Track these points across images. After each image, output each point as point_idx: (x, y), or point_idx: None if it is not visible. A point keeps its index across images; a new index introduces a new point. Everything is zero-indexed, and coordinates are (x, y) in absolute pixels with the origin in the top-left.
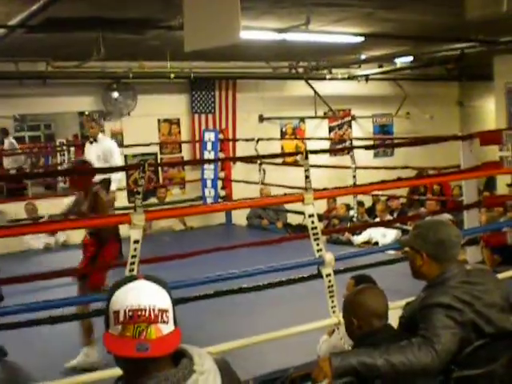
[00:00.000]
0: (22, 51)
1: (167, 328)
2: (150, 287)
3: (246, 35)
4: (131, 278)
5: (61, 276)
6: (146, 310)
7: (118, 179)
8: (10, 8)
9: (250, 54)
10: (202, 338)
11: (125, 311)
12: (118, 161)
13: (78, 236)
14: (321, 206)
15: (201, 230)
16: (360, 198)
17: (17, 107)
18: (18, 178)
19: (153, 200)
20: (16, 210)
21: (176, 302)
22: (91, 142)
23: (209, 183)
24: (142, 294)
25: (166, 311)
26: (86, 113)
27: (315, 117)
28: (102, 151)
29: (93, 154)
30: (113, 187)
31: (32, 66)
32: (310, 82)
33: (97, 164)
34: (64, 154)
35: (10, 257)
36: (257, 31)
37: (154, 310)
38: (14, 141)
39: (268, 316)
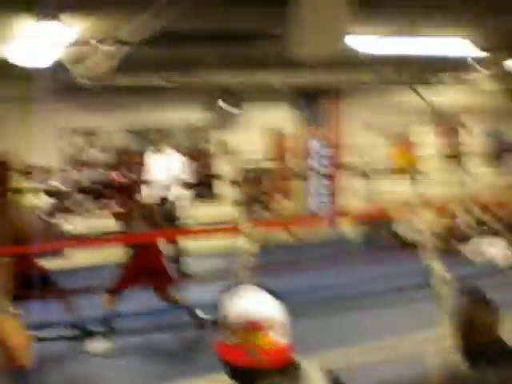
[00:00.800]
0: (135, 65)
1: (279, 338)
2: (261, 296)
3: (352, 43)
4: (244, 287)
5: None
6: (257, 319)
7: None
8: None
9: (354, 62)
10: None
11: (237, 319)
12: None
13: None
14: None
15: (309, 242)
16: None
17: (128, 119)
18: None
19: (260, 211)
20: None
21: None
22: (156, 153)
23: (315, 193)
24: (254, 303)
25: (278, 321)
26: (196, 125)
27: (424, 125)
28: (170, 163)
29: (161, 167)
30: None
31: (144, 79)
32: (417, 88)
33: (165, 176)
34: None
35: None
36: (363, 37)
37: (265, 319)
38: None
39: (379, 328)
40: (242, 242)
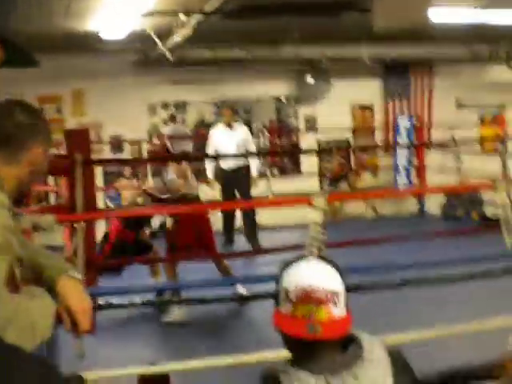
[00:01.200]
0: (219, 37)
1: (338, 311)
2: (322, 268)
3: (436, 14)
4: (304, 258)
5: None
6: (317, 291)
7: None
8: None
9: (445, 36)
10: (381, 326)
11: (296, 290)
12: (253, 148)
13: (269, 217)
14: None
15: (392, 218)
16: None
17: (215, 93)
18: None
19: (344, 186)
20: None
21: (355, 288)
22: (226, 129)
23: (402, 170)
24: (315, 275)
25: (338, 294)
26: (283, 98)
27: None
28: (241, 138)
29: (231, 141)
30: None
31: (229, 51)
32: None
33: (236, 151)
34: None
35: None
36: (450, 9)
37: (325, 292)
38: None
39: (456, 309)
40: (313, 215)
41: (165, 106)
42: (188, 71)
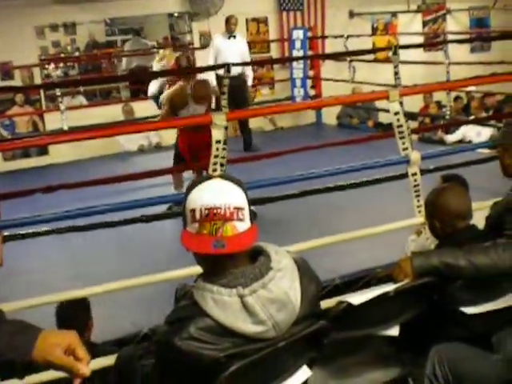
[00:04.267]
0: None
1: (243, 225)
2: (225, 186)
3: None
4: (207, 178)
5: (152, 176)
6: (221, 208)
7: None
8: None
9: None
10: (285, 236)
11: (201, 209)
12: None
13: (170, 138)
14: (416, 104)
15: (291, 130)
16: (455, 95)
17: (106, 11)
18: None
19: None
20: (112, 113)
21: (256, 202)
22: (229, 38)
23: (298, 82)
24: (218, 193)
25: (242, 209)
26: (176, 14)
27: (408, 11)
28: (243, 48)
29: (234, 50)
30: (249, 83)
31: None
32: None
33: (238, 60)
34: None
35: (107, 158)
36: None
37: (229, 208)
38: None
39: (353, 215)
40: (214, 133)
41: (54, 27)
42: None
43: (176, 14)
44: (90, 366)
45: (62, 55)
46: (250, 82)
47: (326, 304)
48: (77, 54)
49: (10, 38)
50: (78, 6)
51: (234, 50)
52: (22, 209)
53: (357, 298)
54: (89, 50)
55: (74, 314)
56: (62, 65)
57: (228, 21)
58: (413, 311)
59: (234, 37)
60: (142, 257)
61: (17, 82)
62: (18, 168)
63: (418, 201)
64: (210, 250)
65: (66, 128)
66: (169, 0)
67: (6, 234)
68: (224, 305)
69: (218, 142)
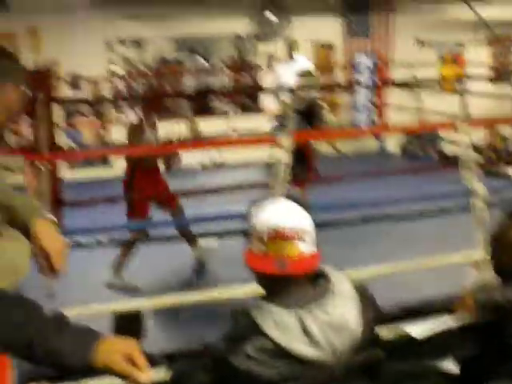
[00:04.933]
0: None
1: (307, 248)
2: (291, 208)
3: None
4: (273, 198)
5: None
6: (287, 230)
7: None
8: None
9: None
10: (345, 261)
11: (267, 229)
12: None
13: (232, 156)
14: (481, 136)
15: (353, 156)
16: None
17: (174, 29)
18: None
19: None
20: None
21: (320, 225)
22: (289, 62)
23: (362, 108)
24: (284, 214)
25: (306, 231)
26: (243, 36)
27: (477, 42)
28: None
29: (290, 72)
30: None
31: None
32: (472, 4)
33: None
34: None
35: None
36: None
37: (294, 230)
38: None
39: (415, 245)
40: (278, 154)
41: (123, 42)
42: (146, 7)
43: (243, 35)
44: (149, 375)
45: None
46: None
47: (384, 333)
48: (144, 69)
49: (80, 50)
50: (148, 23)
51: (289, 73)
52: (80, 217)
53: (417, 330)
54: (156, 66)
55: (128, 326)
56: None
57: (289, 45)
58: (473, 347)
59: (293, 59)
60: (199, 273)
61: (84, 93)
62: (82, 177)
63: (482, 234)
64: (273, 270)
65: None
66: (237, 21)
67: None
68: (282, 325)
69: (283, 163)
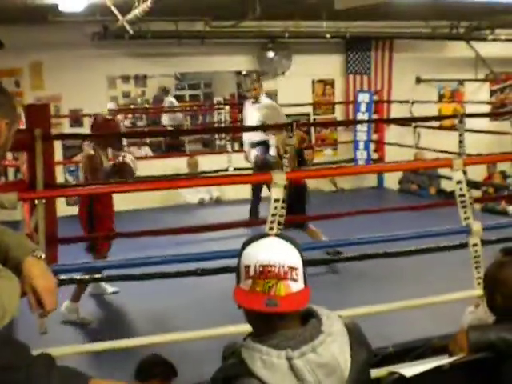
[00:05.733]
0: (180, 11)
1: (296, 286)
2: (281, 244)
3: None
4: (263, 235)
5: (213, 230)
6: (275, 267)
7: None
8: None
9: (406, 12)
10: (340, 300)
11: (255, 266)
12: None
13: (231, 192)
14: (480, 172)
15: (351, 192)
16: None
17: (176, 66)
18: (177, 133)
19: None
20: (176, 164)
21: (315, 263)
22: (253, 103)
23: (361, 145)
24: (273, 251)
25: (296, 269)
26: (244, 72)
27: (475, 80)
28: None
29: (255, 114)
30: (271, 152)
31: (190, 25)
32: (471, 42)
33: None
34: (221, 113)
35: (167, 209)
36: None
37: (283, 267)
38: (173, 100)
39: (410, 283)
40: (273, 192)
41: (125, 79)
42: (148, 44)
43: (244, 72)
44: None
45: (132, 106)
46: (272, 152)
47: (376, 373)
48: (146, 105)
49: (82, 86)
50: (150, 60)
51: (254, 114)
52: (80, 253)
53: (409, 370)
54: (157, 102)
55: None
56: (130, 115)
57: (241, 87)
58: None
59: (257, 101)
60: (193, 311)
61: (86, 129)
62: None
63: (478, 272)
64: (262, 308)
65: None
66: (238, 58)
67: (62, 277)
68: (272, 366)
69: (277, 200)
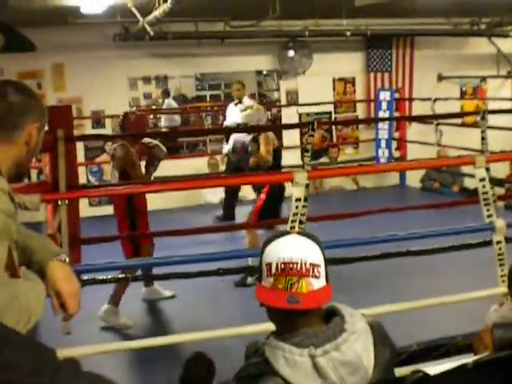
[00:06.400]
0: (200, 11)
1: (318, 283)
2: (302, 242)
3: None
4: (284, 233)
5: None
6: (297, 264)
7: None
8: None
9: (428, 9)
10: (363, 297)
11: (277, 264)
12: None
13: (251, 192)
14: (503, 169)
15: (373, 191)
16: None
17: (197, 66)
18: (199, 132)
19: (324, 159)
20: (197, 164)
21: (335, 262)
22: (236, 104)
23: (383, 143)
24: (295, 248)
25: (318, 266)
26: (264, 72)
27: (498, 76)
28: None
29: (237, 115)
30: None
31: (210, 25)
32: (492, 39)
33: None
34: None
35: (189, 209)
36: None
37: (305, 264)
38: (172, 102)
39: (434, 281)
40: (295, 191)
41: (146, 80)
42: (168, 45)
43: (265, 72)
44: None
45: (153, 107)
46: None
47: (400, 372)
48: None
49: (103, 88)
50: (170, 61)
51: (236, 116)
52: (100, 254)
53: (433, 368)
54: (178, 103)
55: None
56: (151, 116)
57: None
58: None
59: (241, 103)
60: (215, 309)
61: (107, 130)
62: (103, 214)
63: (502, 270)
64: (283, 305)
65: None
66: (258, 58)
67: (85, 277)
68: (295, 364)
69: (298, 199)
